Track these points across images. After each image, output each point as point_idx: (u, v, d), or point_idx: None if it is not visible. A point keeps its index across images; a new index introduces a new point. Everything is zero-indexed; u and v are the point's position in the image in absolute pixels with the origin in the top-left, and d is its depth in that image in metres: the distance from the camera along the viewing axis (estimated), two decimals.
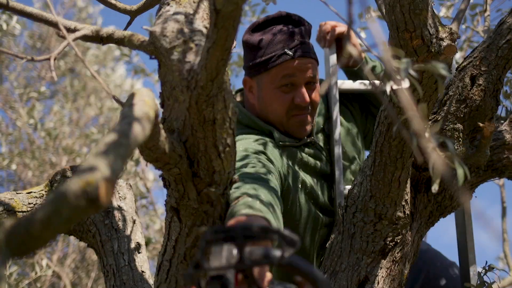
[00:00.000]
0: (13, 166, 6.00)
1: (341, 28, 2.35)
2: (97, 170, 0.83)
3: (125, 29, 1.71)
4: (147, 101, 1.08)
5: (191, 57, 1.30)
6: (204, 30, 1.36)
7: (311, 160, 2.21)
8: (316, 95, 2.19)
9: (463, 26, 4.15)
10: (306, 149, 2.21)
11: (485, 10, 3.66)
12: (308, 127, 2.19)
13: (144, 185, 5.70)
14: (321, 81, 2.33)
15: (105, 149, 0.89)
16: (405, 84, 1.35)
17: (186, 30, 1.34)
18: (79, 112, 6.76)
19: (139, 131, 0.98)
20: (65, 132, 6.24)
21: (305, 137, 2.20)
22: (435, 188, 1.10)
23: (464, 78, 1.94)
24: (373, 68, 2.45)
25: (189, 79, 1.28)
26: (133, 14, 1.72)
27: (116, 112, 7.27)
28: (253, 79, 2.22)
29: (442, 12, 4.38)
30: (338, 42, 2.40)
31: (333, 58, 2.34)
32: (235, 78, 6.27)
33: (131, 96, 1.09)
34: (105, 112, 7.02)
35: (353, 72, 2.43)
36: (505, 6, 4.45)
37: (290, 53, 2.13)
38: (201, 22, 1.38)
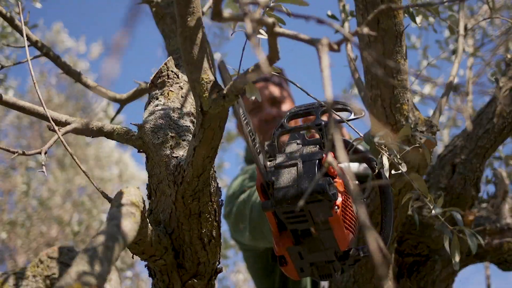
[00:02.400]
0: (3, 235, 5.99)
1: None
2: (86, 277, 0.86)
3: (115, 117, 1.76)
4: (135, 201, 1.11)
5: (178, 153, 1.34)
6: (191, 126, 1.41)
7: None
8: (284, 109, 2.52)
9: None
10: None
11: (468, 94, 3.75)
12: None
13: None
14: None
15: (94, 253, 0.92)
16: (404, 168, 1.39)
17: (174, 125, 1.38)
18: (69, 182, 6.77)
19: (127, 232, 1.01)
20: (57, 201, 6.25)
21: None
22: None
23: (445, 166, 1.99)
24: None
25: (176, 174, 1.32)
26: (123, 102, 1.76)
27: (105, 184, 7.30)
28: None
29: (426, 90, 4.47)
30: None
31: None
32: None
33: (119, 195, 1.13)
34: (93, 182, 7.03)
35: None
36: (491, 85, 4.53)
37: None
38: (188, 117, 1.43)
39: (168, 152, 1.34)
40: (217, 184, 1.39)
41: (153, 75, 1.50)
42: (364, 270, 1.89)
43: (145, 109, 1.48)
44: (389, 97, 1.65)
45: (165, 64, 1.50)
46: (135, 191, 1.14)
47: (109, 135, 1.40)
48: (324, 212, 1.25)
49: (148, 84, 1.55)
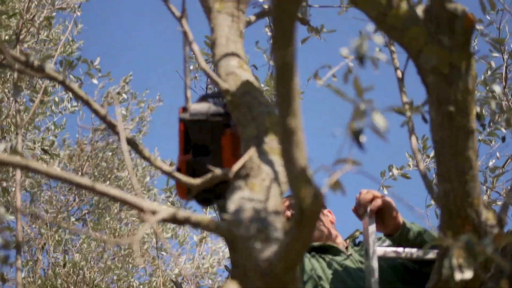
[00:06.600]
0: None
1: (379, 201, 2.45)
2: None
3: (189, 201, 1.79)
4: None
5: (267, 247, 1.36)
6: (277, 220, 1.44)
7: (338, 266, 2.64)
8: None
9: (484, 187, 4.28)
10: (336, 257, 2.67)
11: (503, 173, 3.80)
12: None
13: None
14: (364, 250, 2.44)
15: None
16: (468, 274, 1.41)
17: (261, 219, 1.42)
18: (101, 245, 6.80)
19: None
20: (91, 266, 6.27)
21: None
22: None
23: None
24: (408, 232, 2.53)
25: (264, 267, 1.35)
26: (196, 188, 1.80)
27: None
28: None
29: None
30: (378, 210, 2.48)
31: (373, 227, 2.42)
32: None
33: None
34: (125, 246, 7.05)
35: (394, 238, 2.51)
36: None
37: None
38: (274, 211, 1.46)
39: (257, 245, 1.37)
40: (301, 276, 1.42)
41: (237, 166, 1.54)
42: None
43: (227, 200, 1.52)
44: (461, 191, 1.68)
45: (249, 155, 1.54)
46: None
47: (196, 225, 1.44)
48: (220, 129, 1.75)
49: (227, 173, 1.59)
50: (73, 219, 7.05)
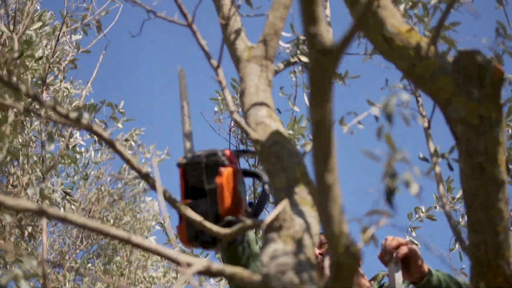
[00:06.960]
0: None
1: (405, 248, 2.45)
2: None
3: (217, 250, 1.80)
4: None
5: None
6: (312, 273, 1.44)
7: None
8: None
9: None
10: None
11: None
12: None
13: None
14: None
15: None
16: None
17: (296, 272, 1.42)
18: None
19: None
20: None
21: None
22: None
23: None
24: (433, 280, 2.52)
25: None
26: (225, 237, 1.81)
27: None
28: None
29: None
30: (403, 258, 2.48)
31: (399, 274, 2.41)
32: None
33: None
34: None
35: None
36: None
37: None
38: (307, 264, 1.47)
39: None
40: None
41: (269, 217, 1.55)
42: None
43: (261, 251, 1.53)
44: (493, 243, 1.68)
45: (282, 206, 1.55)
46: None
47: (230, 278, 1.45)
48: (213, 169, 1.79)
49: (259, 224, 1.61)
50: (81, 261, 7.07)
